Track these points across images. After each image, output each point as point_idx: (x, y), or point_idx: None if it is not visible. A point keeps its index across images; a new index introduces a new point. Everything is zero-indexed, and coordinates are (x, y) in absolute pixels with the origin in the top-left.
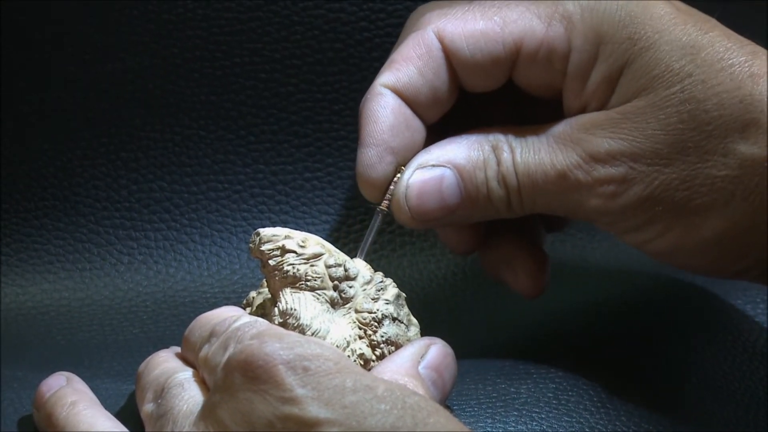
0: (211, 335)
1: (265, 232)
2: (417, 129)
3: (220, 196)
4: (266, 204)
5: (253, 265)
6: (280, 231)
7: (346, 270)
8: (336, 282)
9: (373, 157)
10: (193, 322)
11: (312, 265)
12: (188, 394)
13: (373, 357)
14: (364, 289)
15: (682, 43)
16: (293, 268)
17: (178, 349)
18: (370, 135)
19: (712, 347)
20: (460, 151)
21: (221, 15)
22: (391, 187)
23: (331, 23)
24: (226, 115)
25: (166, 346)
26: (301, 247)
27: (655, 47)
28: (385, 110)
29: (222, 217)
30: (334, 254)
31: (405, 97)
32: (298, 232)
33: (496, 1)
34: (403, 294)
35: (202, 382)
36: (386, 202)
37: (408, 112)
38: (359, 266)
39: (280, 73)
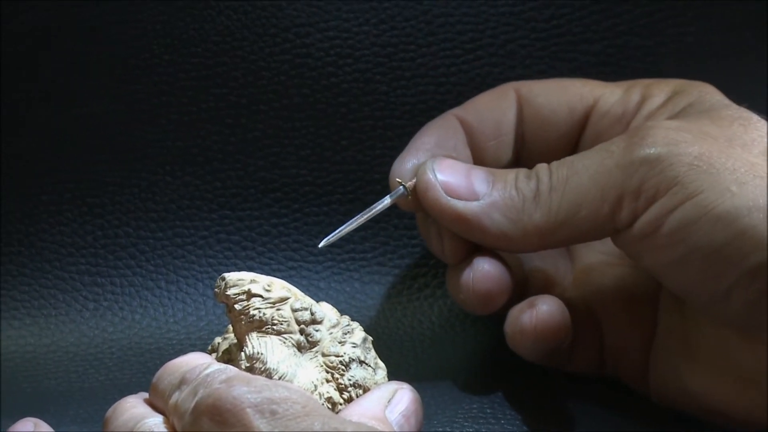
0: (182, 382)
1: (231, 276)
2: (465, 158)
3: (185, 242)
4: (232, 250)
5: (219, 311)
6: (245, 275)
7: (312, 314)
8: (302, 326)
9: (409, 153)
10: (162, 369)
11: (278, 309)
12: None
13: (341, 400)
14: (331, 333)
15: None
16: (259, 312)
17: (146, 395)
18: (414, 142)
19: None
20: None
21: (187, 60)
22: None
23: (297, 68)
24: (192, 160)
25: (133, 393)
26: (267, 291)
27: (721, 94)
28: (439, 127)
29: (188, 263)
30: (300, 298)
31: (467, 123)
32: (263, 276)
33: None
34: (370, 337)
35: (172, 429)
36: (411, 183)
37: (462, 137)
38: (326, 310)
39: (246, 118)
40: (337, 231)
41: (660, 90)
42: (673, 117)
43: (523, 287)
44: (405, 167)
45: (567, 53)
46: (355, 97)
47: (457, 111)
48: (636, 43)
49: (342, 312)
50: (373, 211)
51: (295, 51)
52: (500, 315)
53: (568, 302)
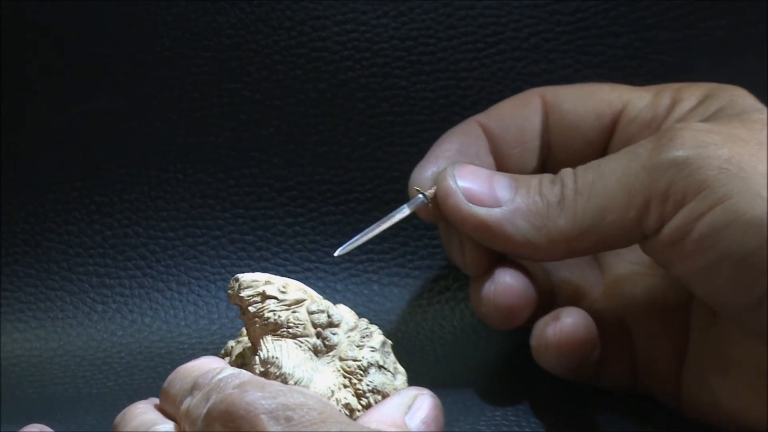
0: (194, 388)
1: (245, 277)
2: (488, 166)
3: (197, 242)
4: (246, 250)
5: (233, 314)
6: (259, 276)
7: (329, 316)
8: (319, 329)
9: (428, 161)
10: (173, 374)
11: (294, 312)
12: None
13: (359, 406)
14: (349, 336)
15: None
16: (274, 314)
17: (157, 401)
18: (434, 149)
19: None
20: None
21: (199, 54)
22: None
23: (313, 62)
24: (204, 157)
25: (143, 399)
26: (282, 292)
27: (754, 98)
28: (461, 134)
29: (200, 264)
30: (316, 300)
31: (490, 130)
32: (278, 277)
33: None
34: (390, 341)
35: None
36: (431, 191)
37: (484, 145)
38: (343, 312)
39: (260, 114)
40: (353, 240)
41: (690, 94)
42: (704, 121)
43: (550, 299)
44: (424, 175)
45: (593, 47)
46: (374, 93)
47: (479, 117)
48: (664, 36)
49: (360, 315)
50: (391, 220)
51: (312, 44)
52: (528, 323)
53: (598, 314)
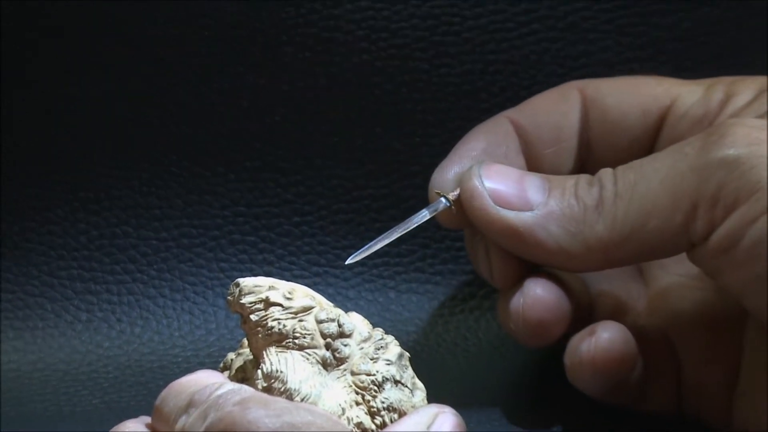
0: (190, 405)
1: (246, 282)
2: (518, 167)
3: (194, 243)
4: (247, 253)
5: (232, 324)
6: (263, 281)
7: (340, 325)
8: (329, 340)
9: (452, 161)
10: (167, 389)
11: (300, 320)
12: None
13: (373, 426)
14: (362, 348)
15: None
16: (279, 323)
17: (148, 419)
18: (458, 149)
19: None
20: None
21: (197, 33)
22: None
23: (324, 44)
24: (201, 149)
25: (132, 417)
26: (288, 299)
27: None
28: (488, 131)
29: (196, 268)
30: (326, 308)
31: (521, 127)
32: (284, 282)
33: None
34: (407, 354)
35: None
36: (454, 193)
37: (515, 144)
38: (356, 321)
39: (264, 101)
40: (366, 246)
41: (746, 87)
42: (760, 117)
43: (589, 314)
44: (446, 177)
45: (636, 27)
46: (391, 77)
47: (510, 113)
48: (717, 15)
49: (374, 324)
50: (409, 226)
51: (322, 23)
52: (564, 339)
53: (641, 330)
